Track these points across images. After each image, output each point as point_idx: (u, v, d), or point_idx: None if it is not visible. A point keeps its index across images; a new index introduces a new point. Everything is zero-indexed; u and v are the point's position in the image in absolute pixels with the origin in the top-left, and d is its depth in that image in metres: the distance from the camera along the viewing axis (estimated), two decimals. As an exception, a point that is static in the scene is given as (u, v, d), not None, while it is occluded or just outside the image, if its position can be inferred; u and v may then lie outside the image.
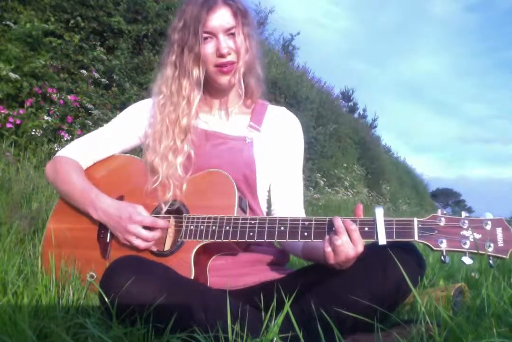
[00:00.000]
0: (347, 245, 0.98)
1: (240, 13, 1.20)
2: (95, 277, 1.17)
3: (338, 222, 1.01)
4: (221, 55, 1.18)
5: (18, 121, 3.26)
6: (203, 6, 1.17)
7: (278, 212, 1.31)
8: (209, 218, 1.11)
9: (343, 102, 15.96)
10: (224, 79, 1.22)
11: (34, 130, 3.30)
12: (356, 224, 1.01)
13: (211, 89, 1.30)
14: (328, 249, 0.99)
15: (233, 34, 1.19)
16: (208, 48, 1.18)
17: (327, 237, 1.01)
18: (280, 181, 1.32)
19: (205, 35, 1.18)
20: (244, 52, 1.21)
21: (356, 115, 16.83)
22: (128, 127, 1.34)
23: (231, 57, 1.20)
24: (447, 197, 43.78)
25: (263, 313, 0.98)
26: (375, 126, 17.84)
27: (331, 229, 1.03)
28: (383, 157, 13.96)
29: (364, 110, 18.27)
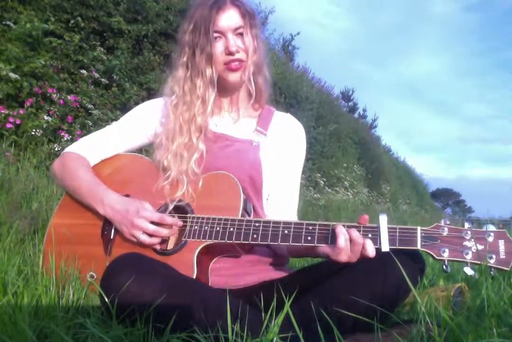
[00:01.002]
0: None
1: (247, 14, 1.23)
2: (95, 277, 1.17)
3: (356, 233, 1.02)
4: (230, 53, 1.20)
5: (18, 121, 3.26)
6: (213, 7, 1.20)
7: (269, 212, 1.31)
8: (214, 219, 1.12)
9: (343, 102, 15.96)
10: (234, 77, 1.23)
11: (34, 130, 3.30)
12: (360, 231, 1.02)
13: (221, 90, 1.30)
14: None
15: (241, 34, 1.22)
16: (218, 47, 1.21)
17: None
18: (279, 187, 1.33)
19: (215, 34, 1.20)
20: (253, 52, 1.23)
21: (356, 115, 16.82)
22: (137, 126, 1.35)
23: (239, 55, 1.21)
24: (447, 197, 43.78)
25: (263, 313, 0.98)
26: (375, 126, 17.85)
27: (334, 234, 1.03)
28: (383, 157, 13.95)
29: (364, 110, 18.29)
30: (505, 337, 0.86)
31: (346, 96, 17.16)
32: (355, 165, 10.72)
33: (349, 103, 17.17)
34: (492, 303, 1.00)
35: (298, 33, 11.91)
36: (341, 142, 10.16)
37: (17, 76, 3.34)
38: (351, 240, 1.01)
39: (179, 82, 1.26)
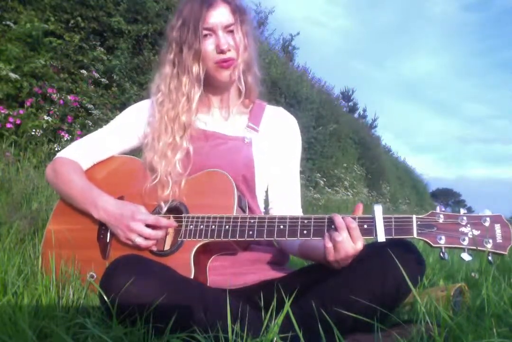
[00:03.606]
0: (347, 242, 0.99)
1: (238, 11, 1.22)
2: (95, 277, 1.17)
3: (339, 218, 1.01)
4: (221, 51, 1.18)
5: (18, 121, 3.26)
6: (203, 3, 1.18)
7: (275, 211, 1.31)
8: (209, 217, 1.11)
9: (343, 102, 15.96)
10: (225, 75, 1.22)
11: (34, 130, 3.30)
12: (356, 222, 1.02)
13: (210, 89, 1.29)
14: (329, 245, 1.00)
15: (232, 32, 1.20)
16: (208, 45, 1.19)
17: (327, 233, 1.02)
18: (278, 181, 1.33)
19: (205, 32, 1.18)
20: (243, 49, 1.22)
21: (356, 115, 16.83)
22: (127, 128, 1.34)
23: (230, 54, 1.20)
24: (447, 197, 43.78)
25: (263, 313, 0.98)
26: (375, 126, 17.85)
27: (330, 226, 1.03)
28: (383, 157, 13.95)
29: (364, 110, 18.28)
30: (505, 337, 0.86)
31: (346, 96, 17.15)
32: (355, 165, 10.72)
33: (349, 103, 17.16)
34: (492, 303, 1.00)
35: (298, 33, 11.94)
36: (341, 142, 10.17)
37: (17, 76, 3.34)
38: (350, 233, 1.00)
39: (166, 79, 1.25)
